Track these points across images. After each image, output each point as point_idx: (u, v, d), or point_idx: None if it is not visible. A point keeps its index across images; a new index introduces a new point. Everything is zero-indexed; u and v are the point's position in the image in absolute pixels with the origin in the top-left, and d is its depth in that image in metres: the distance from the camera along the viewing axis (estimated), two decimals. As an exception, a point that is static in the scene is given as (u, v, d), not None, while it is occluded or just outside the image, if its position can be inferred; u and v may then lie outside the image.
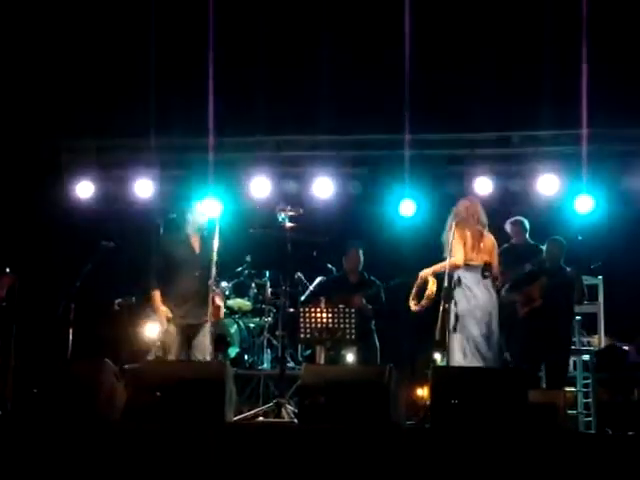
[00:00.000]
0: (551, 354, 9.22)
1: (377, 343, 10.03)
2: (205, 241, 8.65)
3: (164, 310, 8.45)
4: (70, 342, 9.11)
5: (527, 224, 10.36)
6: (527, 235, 10.31)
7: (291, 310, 9.79)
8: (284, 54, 11.61)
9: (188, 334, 8.43)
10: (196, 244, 8.61)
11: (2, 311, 9.28)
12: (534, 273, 9.56)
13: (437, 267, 8.71)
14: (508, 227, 10.41)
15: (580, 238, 9.71)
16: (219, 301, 8.77)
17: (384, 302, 10.11)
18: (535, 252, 9.97)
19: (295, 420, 7.70)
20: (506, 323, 9.37)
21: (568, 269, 9.48)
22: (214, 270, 8.46)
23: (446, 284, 8.38)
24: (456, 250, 8.64)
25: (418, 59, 11.15)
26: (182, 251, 8.57)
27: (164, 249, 8.66)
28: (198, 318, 8.45)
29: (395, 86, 11.21)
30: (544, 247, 9.72)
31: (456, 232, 8.64)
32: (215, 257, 8.55)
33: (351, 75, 11.56)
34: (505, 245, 10.30)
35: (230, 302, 11.04)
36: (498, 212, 10.90)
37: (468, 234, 8.76)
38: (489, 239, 8.91)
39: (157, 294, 8.52)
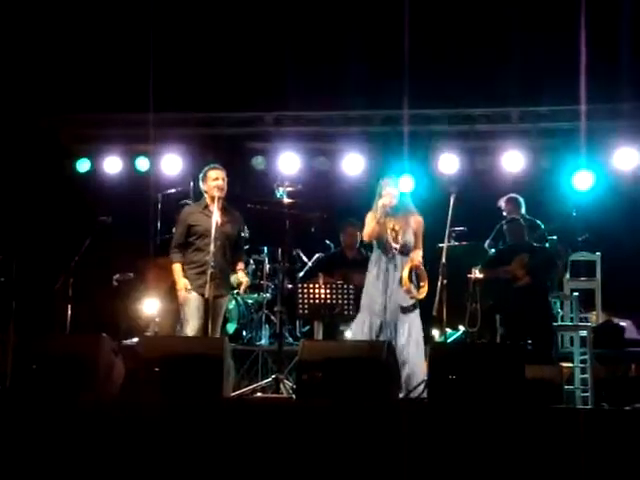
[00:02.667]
0: (533, 331, 9.23)
1: (375, 319, 10.02)
2: (230, 212, 8.52)
3: (184, 283, 8.28)
4: (69, 317, 9.12)
5: (521, 200, 10.33)
6: (523, 211, 10.29)
7: (289, 286, 9.80)
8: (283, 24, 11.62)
9: (206, 307, 8.15)
10: (218, 214, 8.30)
11: (1, 287, 9.28)
12: (508, 251, 9.55)
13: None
14: (502, 205, 10.38)
15: (574, 214, 9.70)
16: (242, 276, 8.59)
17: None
18: (533, 228, 9.96)
19: (293, 395, 7.71)
20: (501, 299, 9.40)
21: (537, 245, 9.50)
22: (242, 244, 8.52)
23: (444, 260, 8.34)
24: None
25: (418, 31, 11.13)
26: (203, 221, 8.35)
27: (184, 219, 8.49)
28: (218, 291, 8.26)
29: (394, 62, 11.19)
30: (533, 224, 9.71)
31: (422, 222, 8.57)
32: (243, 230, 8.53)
33: (350, 49, 11.54)
34: (503, 222, 10.29)
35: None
36: (494, 188, 10.93)
37: None
38: None
39: (178, 266, 8.33)
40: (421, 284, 8.37)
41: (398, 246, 8.35)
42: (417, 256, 8.39)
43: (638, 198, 11.19)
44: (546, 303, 9.46)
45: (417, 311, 8.34)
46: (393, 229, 8.38)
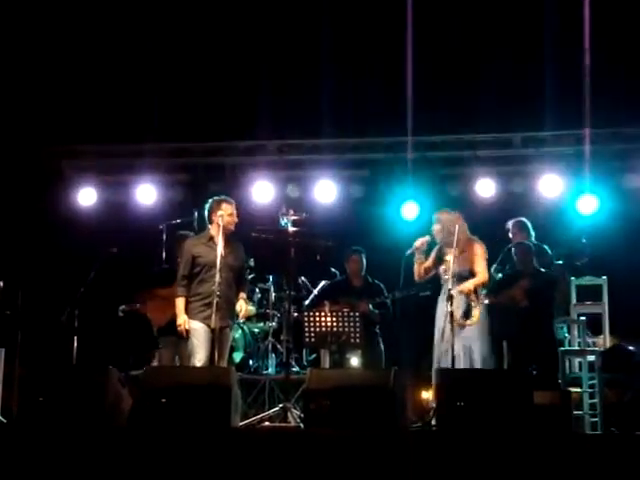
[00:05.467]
0: (538, 356, 9.19)
1: (382, 346, 10.01)
2: (233, 242, 8.52)
3: (184, 320, 8.30)
4: (75, 349, 9.11)
5: (528, 224, 10.33)
6: (532, 236, 10.27)
7: (295, 314, 9.78)
8: (285, 56, 11.66)
9: (212, 337, 8.15)
10: (222, 245, 8.30)
11: (7, 319, 9.28)
12: (511, 276, 9.55)
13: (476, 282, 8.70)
14: (510, 228, 10.37)
15: (584, 241, 9.67)
16: (242, 303, 8.54)
17: (390, 307, 10.09)
18: (540, 253, 9.94)
19: (301, 424, 7.70)
20: (504, 326, 9.36)
21: (543, 270, 9.48)
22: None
23: (450, 286, 8.33)
24: (484, 266, 8.76)
25: (420, 61, 11.17)
26: (207, 253, 8.38)
27: (189, 251, 8.50)
28: (224, 321, 8.26)
29: (397, 88, 11.22)
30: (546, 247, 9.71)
31: (481, 247, 8.70)
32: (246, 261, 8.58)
33: (353, 77, 11.58)
34: (509, 246, 10.27)
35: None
36: (500, 214, 10.90)
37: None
38: None
39: (182, 301, 8.36)
40: (473, 312, 8.58)
41: (448, 277, 8.44)
42: (466, 284, 8.55)
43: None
44: (548, 328, 9.41)
45: (479, 334, 8.48)
46: (446, 261, 8.51)
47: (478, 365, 8.39)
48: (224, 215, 8.39)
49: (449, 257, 8.52)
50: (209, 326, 8.14)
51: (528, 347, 9.17)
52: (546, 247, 9.94)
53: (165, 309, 9.25)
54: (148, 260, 10.69)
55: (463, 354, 8.36)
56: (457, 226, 8.66)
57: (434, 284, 8.90)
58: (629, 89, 10.88)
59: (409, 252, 8.75)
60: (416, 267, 8.79)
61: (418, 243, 8.74)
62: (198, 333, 8.24)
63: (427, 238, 8.73)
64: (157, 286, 9.58)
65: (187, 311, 8.35)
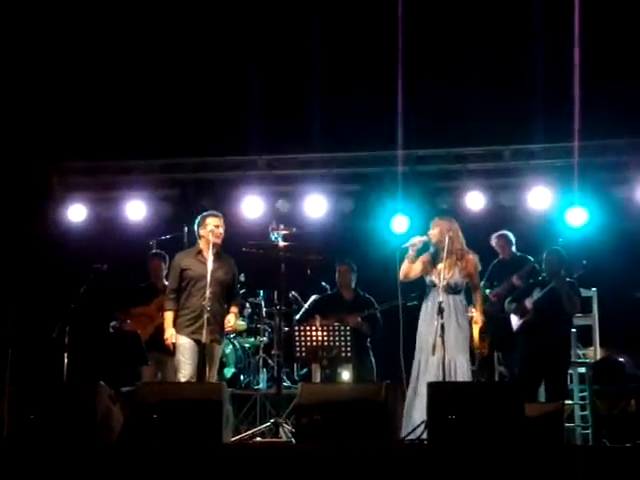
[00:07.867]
0: (551, 368, 9.14)
1: (373, 361, 10.01)
2: (223, 257, 8.52)
3: (171, 334, 8.29)
4: (65, 366, 9.08)
5: (512, 237, 10.34)
6: (513, 248, 10.30)
7: (286, 329, 9.78)
8: (274, 70, 11.70)
9: (202, 353, 8.15)
10: (211, 260, 8.28)
11: (-2, 336, 9.25)
12: (533, 285, 9.52)
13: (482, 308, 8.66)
14: (493, 242, 10.37)
15: (561, 240, 9.66)
16: (231, 317, 8.51)
17: (380, 320, 10.09)
18: (521, 264, 9.97)
19: (292, 440, 7.68)
20: (499, 338, 9.36)
21: (570, 280, 9.45)
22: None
23: (440, 298, 8.29)
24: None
25: (409, 73, 11.20)
26: (195, 267, 8.40)
27: (177, 264, 8.51)
28: (212, 336, 8.24)
29: (386, 102, 11.25)
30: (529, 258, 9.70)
31: (477, 260, 8.69)
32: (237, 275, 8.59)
33: (342, 91, 11.60)
34: (495, 261, 10.29)
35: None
36: (490, 226, 10.92)
37: None
38: None
39: (170, 315, 8.35)
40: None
41: (440, 284, 8.34)
42: (480, 316, 8.50)
43: (632, 233, 11.20)
44: (562, 338, 9.34)
45: (467, 352, 8.39)
46: (440, 269, 8.41)
47: (459, 378, 8.26)
48: (210, 228, 8.40)
49: (442, 264, 8.42)
50: (195, 341, 8.16)
51: (537, 360, 9.12)
52: (529, 257, 9.98)
53: (143, 327, 9.29)
54: (138, 276, 10.67)
55: (449, 367, 8.27)
56: (455, 234, 8.62)
57: (419, 291, 8.81)
58: (618, 101, 10.92)
59: (405, 245, 8.61)
60: (405, 264, 8.55)
61: (416, 240, 8.59)
62: (184, 348, 8.24)
63: (425, 238, 8.62)
64: (132, 305, 9.61)
65: (174, 325, 8.35)
